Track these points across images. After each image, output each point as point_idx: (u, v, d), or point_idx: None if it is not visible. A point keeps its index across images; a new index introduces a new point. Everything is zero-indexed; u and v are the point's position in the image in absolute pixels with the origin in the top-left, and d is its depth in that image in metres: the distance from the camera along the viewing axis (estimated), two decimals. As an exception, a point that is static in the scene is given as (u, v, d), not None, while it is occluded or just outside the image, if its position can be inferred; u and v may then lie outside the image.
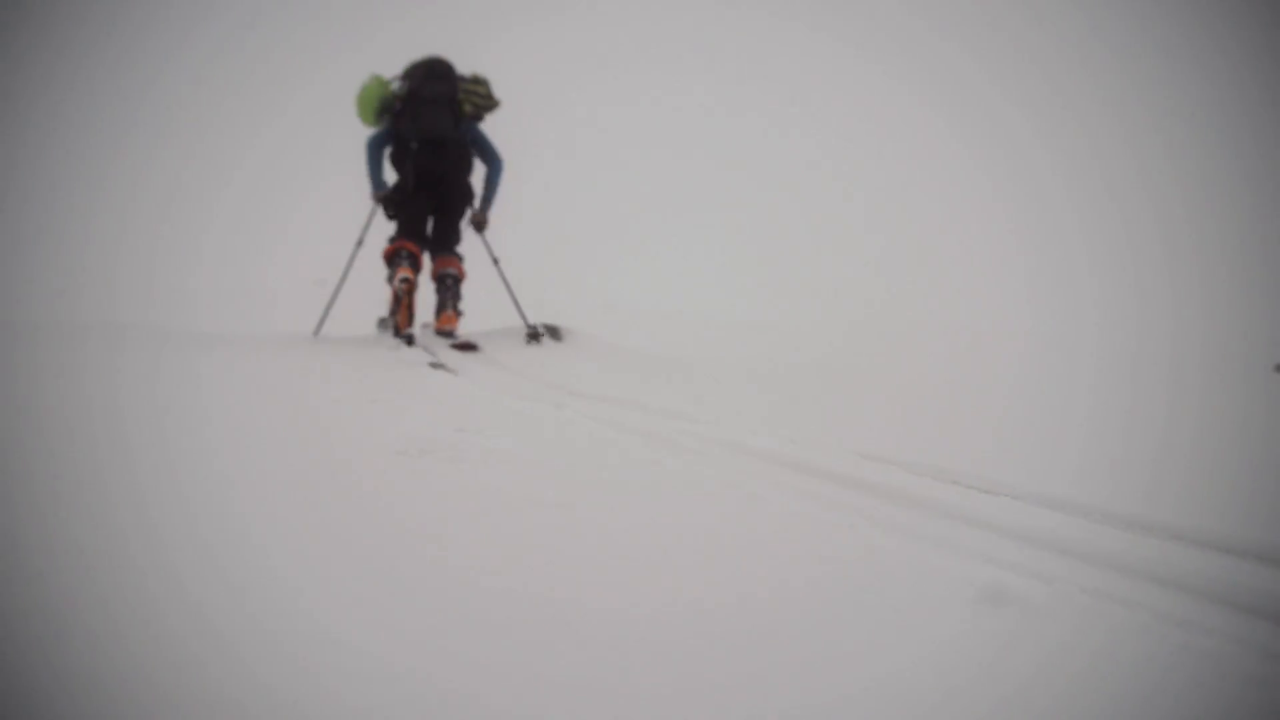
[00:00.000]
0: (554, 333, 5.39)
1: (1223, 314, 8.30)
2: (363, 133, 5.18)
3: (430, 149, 4.86)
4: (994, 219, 12.37)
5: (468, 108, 4.97)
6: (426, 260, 5.08)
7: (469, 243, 5.43)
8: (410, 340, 4.79)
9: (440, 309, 4.98)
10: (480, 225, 5.13)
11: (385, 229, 5.26)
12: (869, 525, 1.62)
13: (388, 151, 5.05)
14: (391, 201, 4.99)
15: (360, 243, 5.28)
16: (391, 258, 4.92)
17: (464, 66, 5.23)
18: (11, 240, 10.60)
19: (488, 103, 5.04)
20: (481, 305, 6.28)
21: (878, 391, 3.86)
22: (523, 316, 5.34)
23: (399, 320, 4.92)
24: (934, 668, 0.97)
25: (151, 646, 0.82)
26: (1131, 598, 1.26)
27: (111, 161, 13.78)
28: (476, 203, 5.16)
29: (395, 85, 4.98)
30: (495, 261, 5.35)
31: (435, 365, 4.11)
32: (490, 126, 5.41)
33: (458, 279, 5.02)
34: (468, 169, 5.05)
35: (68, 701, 0.72)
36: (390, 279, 4.89)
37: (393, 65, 5.19)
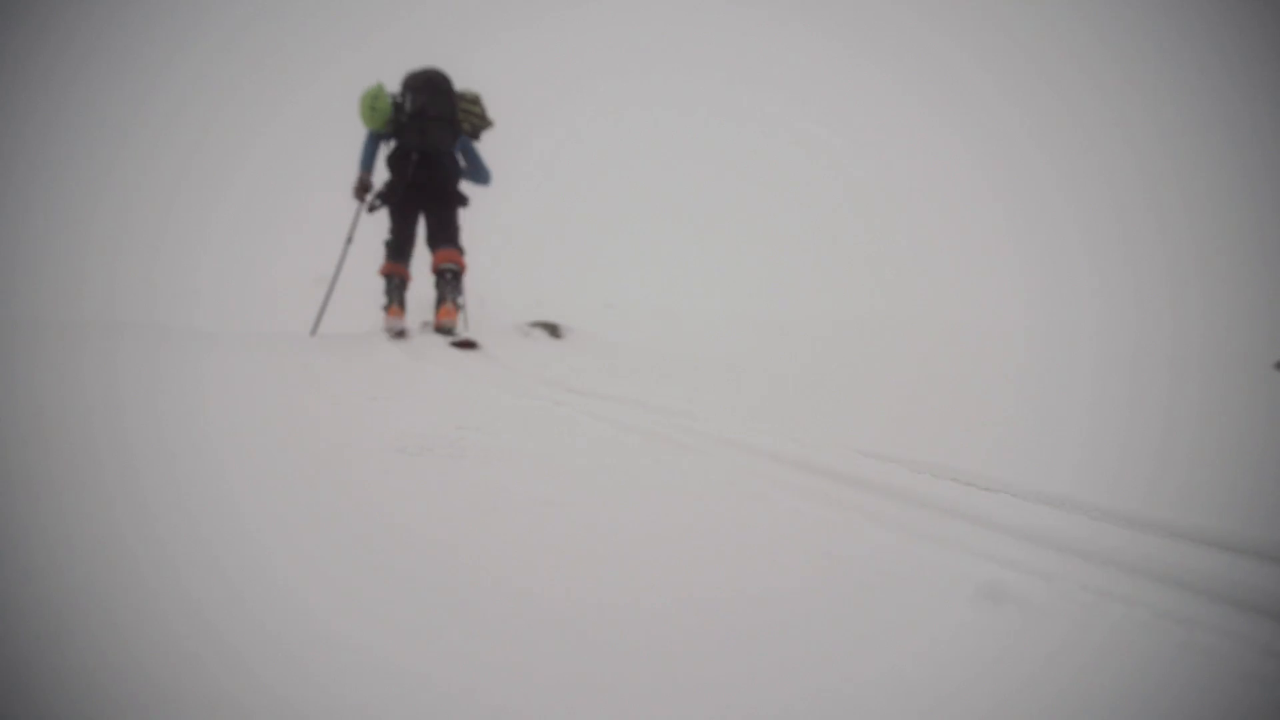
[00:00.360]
0: (553, 330, 5.41)
1: (1222, 311, 8.30)
2: (362, 132, 5.33)
3: (430, 162, 5.14)
4: (992, 218, 12.38)
5: (466, 126, 5.28)
6: (421, 257, 5.32)
7: (473, 239, 5.61)
8: (402, 333, 5.00)
9: (440, 302, 5.12)
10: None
11: (375, 227, 5.44)
12: (869, 522, 1.62)
13: (386, 152, 5.26)
14: (382, 199, 5.22)
15: (350, 240, 5.40)
16: (386, 281, 5.21)
17: (468, 69, 5.49)
18: (14, 238, 10.62)
19: (483, 122, 5.36)
20: (483, 305, 6.40)
21: (877, 389, 3.86)
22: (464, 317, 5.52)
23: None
24: (933, 665, 0.97)
25: (150, 645, 0.82)
26: (1132, 595, 1.26)
27: (114, 160, 13.80)
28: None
29: (400, 98, 5.19)
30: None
31: (432, 362, 4.11)
32: (495, 130, 5.59)
33: (458, 273, 5.16)
34: (459, 178, 5.33)
35: (65, 700, 0.72)
36: (385, 307, 5.16)
37: (393, 67, 5.39)
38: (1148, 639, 1.08)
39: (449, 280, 5.12)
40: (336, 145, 5.93)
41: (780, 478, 1.98)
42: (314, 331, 5.16)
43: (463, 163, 5.43)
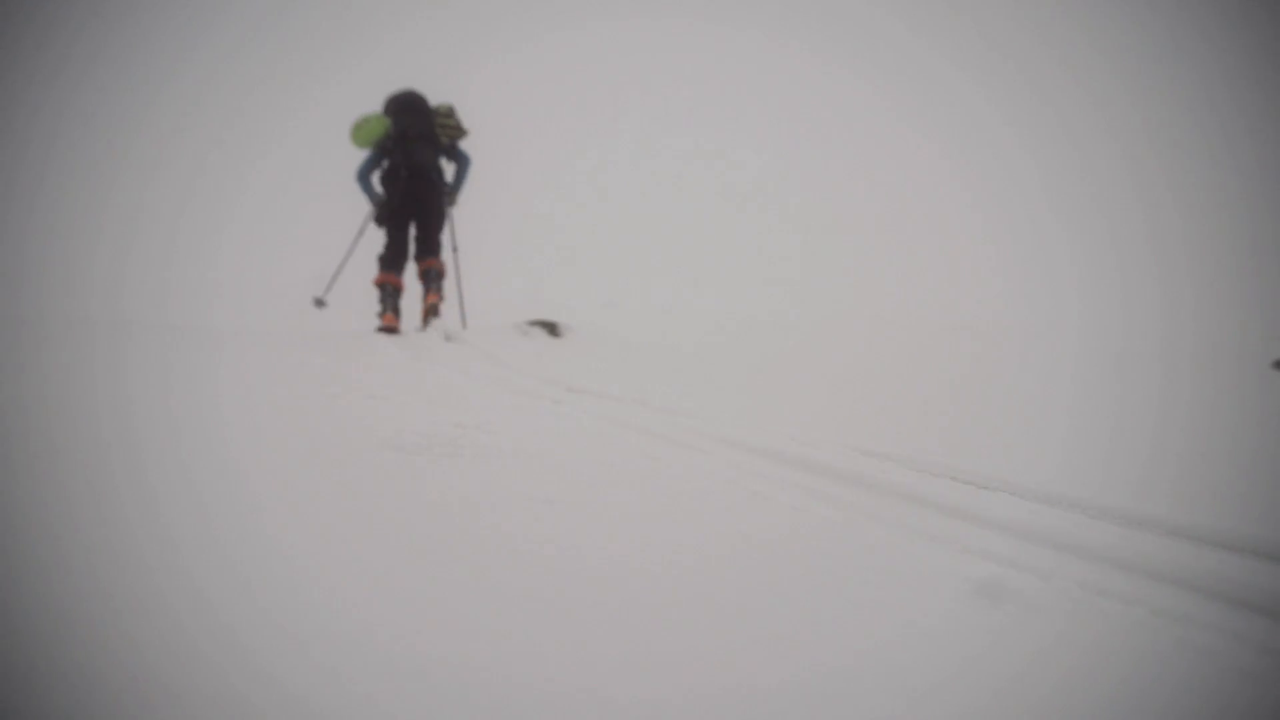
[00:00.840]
0: (552, 329, 5.42)
1: (1219, 310, 8.31)
2: (352, 147, 6.01)
3: (417, 177, 5.86)
4: (984, 218, 12.37)
5: (444, 140, 6.01)
6: (411, 267, 6.04)
7: (473, 240, 6.55)
8: (394, 330, 5.70)
9: (426, 291, 5.90)
10: (450, 203, 6.17)
11: (370, 238, 6.23)
12: (868, 521, 1.63)
13: (378, 174, 5.99)
14: (382, 217, 6.01)
15: (361, 231, 6.30)
16: (380, 288, 5.89)
17: (475, 78, 5.93)
18: (25, 237, 10.65)
19: (459, 132, 6.05)
20: (478, 302, 6.56)
21: (875, 388, 3.87)
22: (462, 316, 6.30)
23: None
24: (929, 660, 0.98)
25: (159, 643, 0.82)
26: (1128, 593, 1.27)
27: (123, 162, 13.80)
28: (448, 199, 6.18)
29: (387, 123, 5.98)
30: (454, 249, 6.33)
31: (430, 360, 4.12)
32: (496, 133, 6.13)
33: (440, 274, 5.97)
34: (443, 192, 6.07)
35: (72, 700, 0.72)
36: (380, 314, 5.79)
37: (399, 74, 5.90)
38: (1144, 636, 1.09)
39: (433, 278, 5.91)
40: (338, 149, 6.32)
41: (779, 476, 1.98)
42: (326, 292, 6.19)
43: (450, 165, 6.14)
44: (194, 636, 0.84)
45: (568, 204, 13.32)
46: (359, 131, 5.79)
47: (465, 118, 6.09)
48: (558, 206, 13.11)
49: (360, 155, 5.96)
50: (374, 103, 6.08)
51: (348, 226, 6.39)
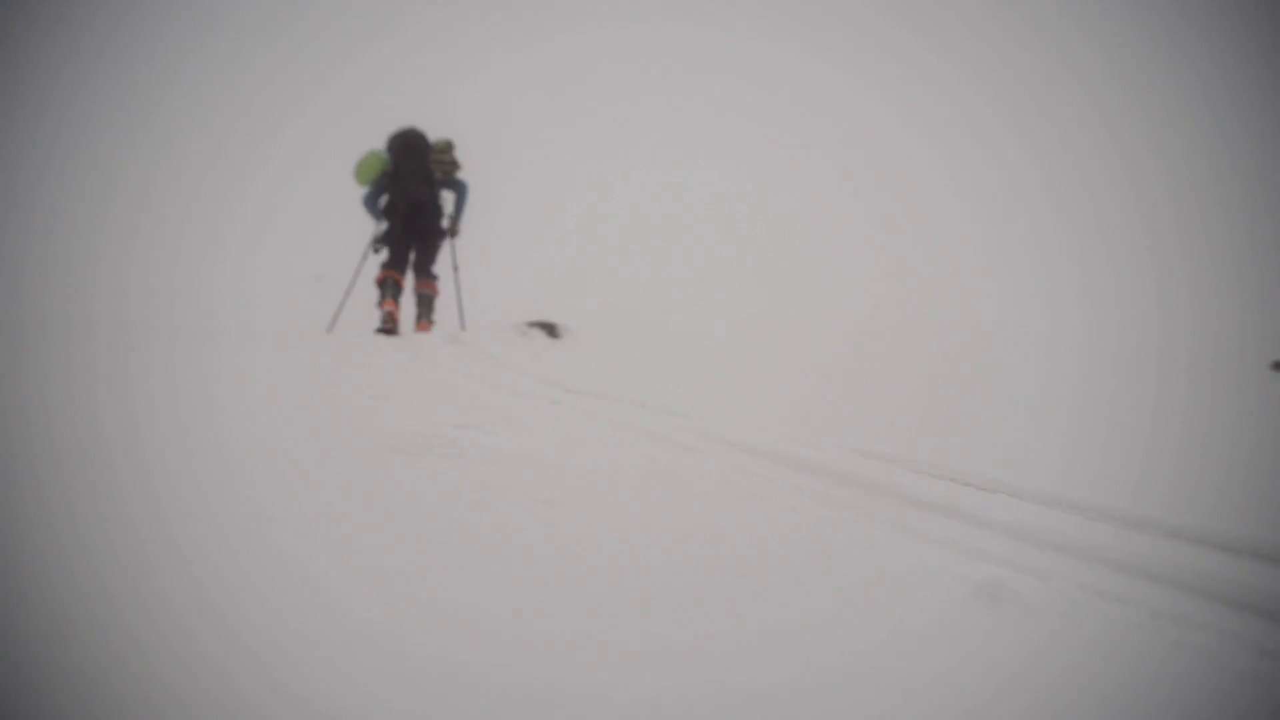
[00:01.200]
0: (551, 330, 5.42)
1: (1217, 310, 8.30)
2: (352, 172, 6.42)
3: (414, 211, 6.35)
4: (980, 218, 12.36)
5: (438, 175, 6.44)
6: (409, 276, 6.47)
7: (474, 246, 6.83)
8: (392, 323, 6.03)
9: (418, 319, 6.37)
10: (454, 234, 6.60)
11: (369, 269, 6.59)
12: (866, 522, 1.63)
13: (381, 204, 6.42)
14: (382, 241, 6.45)
15: (365, 255, 6.67)
16: (381, 284, 6.27)
17: (474, 79, 6.13)
18: (24, 240, 10.67)
19: (453, 168, 6.52)
20: (481, 305, 6.72)
21: (875, 390, 3.87)
22: (461, 318, 6.58)
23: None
24: (928, 660, 0.98)
25: (163, 644, 0.83)
26: (1127, 594, 1.27)
27: (126, 163, 13.83)
28: (446, 222, 6.55)
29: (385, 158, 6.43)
30: (455, 269, 6.69)
31: (429, 361, 4.12)
32: (497, 135, 6.38)
33: (432, 297, 6.46)
34: (440, 219, 6.52)
35: (75, 700, 0.72)
36: (379, 303, 6.17)
37: (399, 75, 6.03)
38: (1142, 637, 1.10)
39: (425, 302, 6.39)
40: (336, 152, 6.53)
41: (778, 477, 1.99)
42: (331, 328, 6.19)
43: (450, 195, 6.57)
44: (198, 637, 0.85)
45: (567, 205, 13.34)
46: (360, 170, 6.30)
47: (464, 146, 6.48)
48: (557, 207, 13.13)
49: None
50: (375, 104, 6.39)
51: (349, 227, 6.61)
